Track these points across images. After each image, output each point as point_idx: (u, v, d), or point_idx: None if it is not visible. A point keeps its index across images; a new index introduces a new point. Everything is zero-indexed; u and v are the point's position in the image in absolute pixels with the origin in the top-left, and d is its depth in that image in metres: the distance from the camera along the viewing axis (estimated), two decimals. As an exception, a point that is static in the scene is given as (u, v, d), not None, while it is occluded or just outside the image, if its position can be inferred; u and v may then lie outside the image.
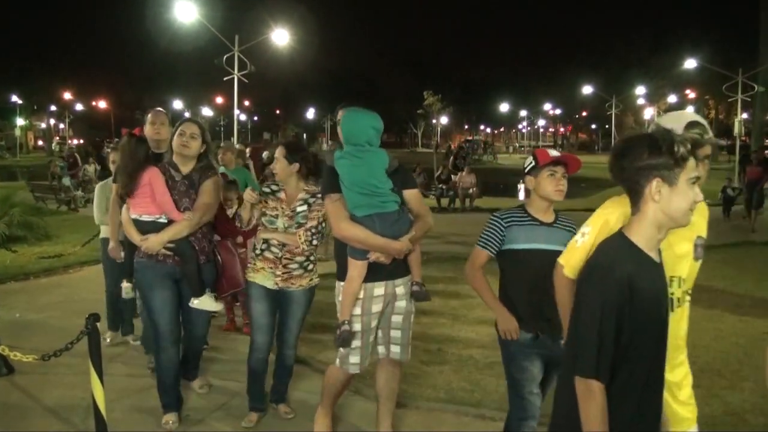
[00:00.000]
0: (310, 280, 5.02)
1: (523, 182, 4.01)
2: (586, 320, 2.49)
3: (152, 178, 4.77)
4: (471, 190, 22.74)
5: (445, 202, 23.29)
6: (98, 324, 4.22)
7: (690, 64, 41.62)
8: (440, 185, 24.20)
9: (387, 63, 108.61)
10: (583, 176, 46.79)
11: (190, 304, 4.96)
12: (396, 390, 4.68)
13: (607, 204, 3.17)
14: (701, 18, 62.58)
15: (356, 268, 4.14)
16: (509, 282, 3.97)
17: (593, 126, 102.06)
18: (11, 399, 5.60)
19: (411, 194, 4.31)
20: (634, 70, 66.81)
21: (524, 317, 3.85)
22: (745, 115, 42.69)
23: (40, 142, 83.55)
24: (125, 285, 5.25)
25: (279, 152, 4.89)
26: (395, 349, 4.44)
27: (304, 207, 4.87)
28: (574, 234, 3.76)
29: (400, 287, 4.31)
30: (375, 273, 4.17)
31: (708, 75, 47.45)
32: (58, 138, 74.18)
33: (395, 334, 4.41)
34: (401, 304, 4.35)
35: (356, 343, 4.24)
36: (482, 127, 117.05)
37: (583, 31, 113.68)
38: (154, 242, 4.75)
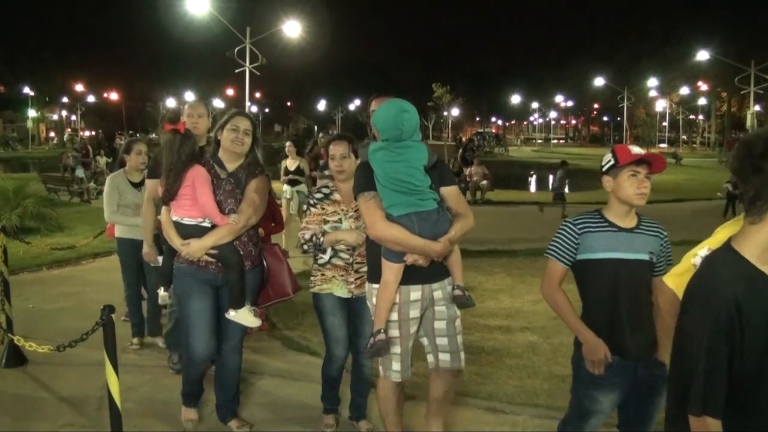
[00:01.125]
0: None
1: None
2: (691, 351, 2.19)
3: (196, 177, 4.35)
4: (482, 183, 22.66)
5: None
6: (113, 315, 4.23)
7: (702, 55, 41.48)
8: (452, 178, 24.09)
9: (398, 55, 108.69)
10: (595, 169, 46.68)
11: (226, 315, 4.50)
12: (450, 397, 4.40)
13: (729, 224, 2.85)
14: (713, 9, 62.05)
15: (392, 271, 3.83)
16: (584, 297, 3.51)
17: (605, 118, 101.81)
18: (25, 389, 5.63)
19: (450, 191, 3.97)
20: (646, 61, 66.56)
21: (602, 339, 3.36)
22: (757, 108, 42.51)
23: (52, 134, 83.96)
24: (162, 293, 4.91)
25: (345, 148, 4.48)
26: (444, 357, 4.07)
27: None
28: (662, 239, 3.47)
29: (438, 291, 3.98)
30: (411, 276, 3.86)
31: (720, 67, 47.22)
32: (69, 130, 74.57)
33: (441, 341, 4.05)
34: (441, 308, 4.01)
35: (396, 349, 3.95)
36: (493, 119, 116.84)
37: (595, 22, 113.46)
38: (195, 248, 4.34)
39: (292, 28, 28.71)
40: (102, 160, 26.25)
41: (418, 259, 3.78)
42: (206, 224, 4.39)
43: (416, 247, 3.73)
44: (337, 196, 4.53)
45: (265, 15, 38.36)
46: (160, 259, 5.63)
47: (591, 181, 37.45)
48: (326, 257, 4.52)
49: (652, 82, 61.00)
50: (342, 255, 4.50)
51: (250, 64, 25.68)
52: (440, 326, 4.04)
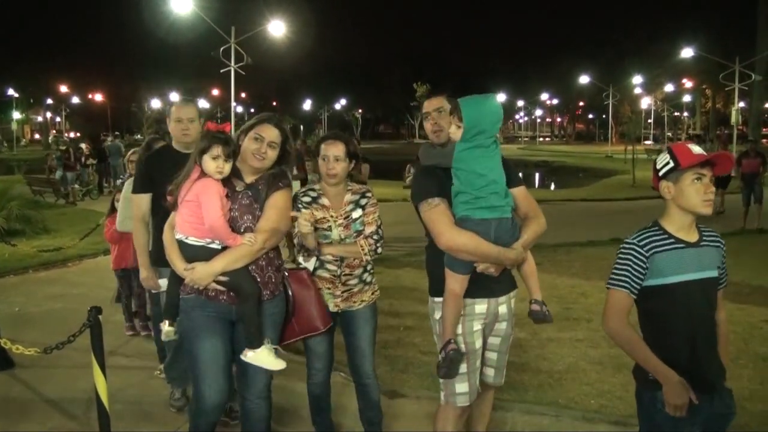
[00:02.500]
0: (372, 293, 4.31)
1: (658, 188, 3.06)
2: None
3: (202, 192, 3.56)
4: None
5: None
6: (100, 317, 4.21)
7: (687, 53, 41.59)
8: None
9: (383, 53, 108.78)
10: (580, 166, 46.90)
11: (242, 357, 3.70)
12: (488, 415, 4.16)
13: None
14: (698, 6, 62.30)
15: (458, 282, 3.49)
16: (655, 328, 3.02)
17: (590, 116, 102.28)
18: (12, 393, 5.61)
19: (519, 192, 3.65)
20: (631, 59, 66.65)
21: (679, 375, 2.86)
22: (742, 104, 42.75)
23: (37, 136, 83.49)
24: (166, 328, 4.02)
25: (341, 150, 4.12)
26: (488, 372, 3.89)
27: (359, 211, 4.16)
28: (723, 250, 3.07)
29: (503, 305, 3.70)
30: (477, 288, 3.55)
31: (705, 64, 47.37)
32: (54, 131, 74.17)
33: (491, 356, 3.85)
34: (501, 326, 3.77)
35: (462, 368, 3.59)
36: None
37: (580, 19, 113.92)
38: (202, 273, 3.54)
39: (277, 28, 28.64)
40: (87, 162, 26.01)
41: (489, 267, 3.48)
42: (215, 245, 3.61)
43: (489, 256, 3.41)
44: (325, 201, 4.15)
45: (249, 14, 38.30)
46: (162, 282, 4.68)
47: (576, 178, 37.79)
48: (309, 269, 4.14)
49: (637, 79, 61.14)
50: (329, 267, 4.13)
51: (236, 63, 25.62)
52: (494, 342, 3.82)
